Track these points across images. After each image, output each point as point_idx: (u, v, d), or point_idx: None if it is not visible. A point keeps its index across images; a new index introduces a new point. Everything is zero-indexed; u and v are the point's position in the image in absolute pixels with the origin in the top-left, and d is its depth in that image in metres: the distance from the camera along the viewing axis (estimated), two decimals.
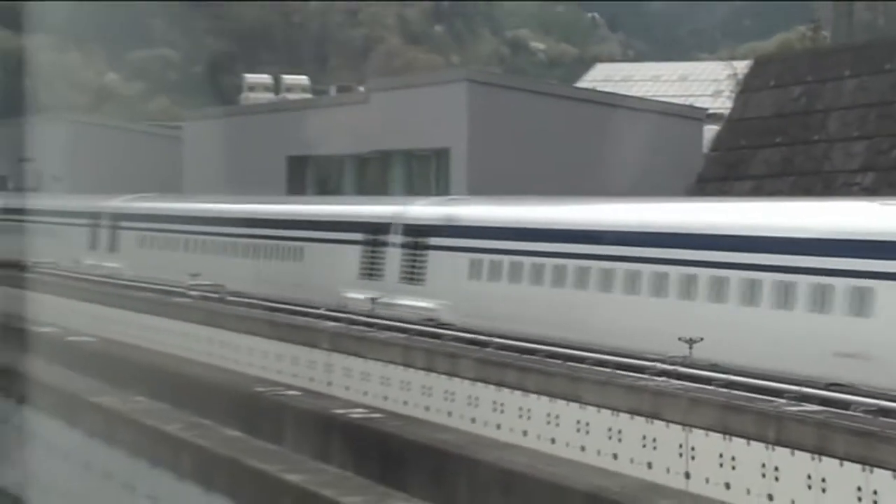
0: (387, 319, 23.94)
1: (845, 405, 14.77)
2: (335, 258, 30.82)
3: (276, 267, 33.03)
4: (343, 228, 30.96)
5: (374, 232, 29.41)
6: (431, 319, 24.71)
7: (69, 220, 46.47)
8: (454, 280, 26.29)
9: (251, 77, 77.47)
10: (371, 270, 29.32)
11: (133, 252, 41.20)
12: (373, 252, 29.35)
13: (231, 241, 35.82)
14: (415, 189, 45.67)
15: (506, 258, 24.88)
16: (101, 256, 43.04)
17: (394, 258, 28.43)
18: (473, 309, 24.68)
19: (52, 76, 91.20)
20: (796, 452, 13.58)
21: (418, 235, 27.80)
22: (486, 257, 25.51)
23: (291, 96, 68.60)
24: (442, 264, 26.92)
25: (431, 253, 27.33)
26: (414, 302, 26.90)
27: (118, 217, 43.41)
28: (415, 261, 27.76)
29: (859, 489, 12.78)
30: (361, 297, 28.16)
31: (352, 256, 29.95)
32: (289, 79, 75.29)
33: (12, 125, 57.08)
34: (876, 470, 12.65)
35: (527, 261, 24.29)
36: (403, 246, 28.26)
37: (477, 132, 42.60)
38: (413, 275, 27.72)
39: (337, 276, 30.09)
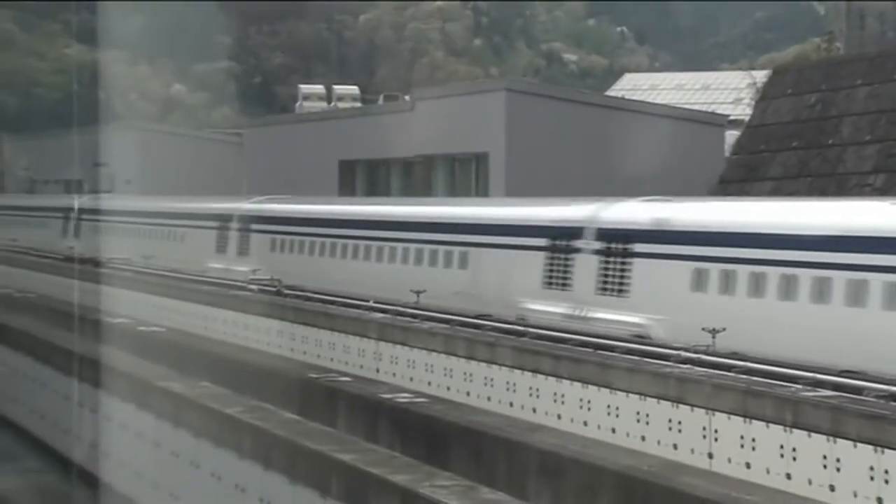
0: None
1: (858, 391, 14.66)
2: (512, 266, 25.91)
3: (434, 274, 28.11)
4: (523, 233, 25.95)
5: (562, 237, 24.37)
6: (641, 336, 20.80)
7: (191, 224, 41.64)
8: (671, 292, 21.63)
9: (306, 87, 77.57)
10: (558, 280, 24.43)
11: (267, 256, 35.52)
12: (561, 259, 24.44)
13: (384, 246, 30.47)
14: (456, 191, 45.67)
15: (741, 267, 20.05)
16: (231, 261, 37.80)
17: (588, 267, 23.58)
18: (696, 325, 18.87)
19: (124, 88, 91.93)
20: (812, 435, 13.49)
21: (620, 241, 22.98)
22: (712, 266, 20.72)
23: (343, 105, 68.67)
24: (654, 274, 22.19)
25: (638, 261, 22.55)
26: (616, 316, 22.56)
27: (250, 220, 38.02)
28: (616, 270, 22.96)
29: (871, 469, 12.67)
30: (550, 309, 23.84)
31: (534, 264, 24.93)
32: (340, 89, 75.33)
33: (88, 133, 57.53)
34: (887, 451, 12.54)
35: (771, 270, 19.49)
36: (600, 253, 23.35)
37: (514, 138, 42.53)
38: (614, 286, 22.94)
39: (515, 286, 25.35)
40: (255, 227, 37.47)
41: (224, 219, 39.44)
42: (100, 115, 60.07)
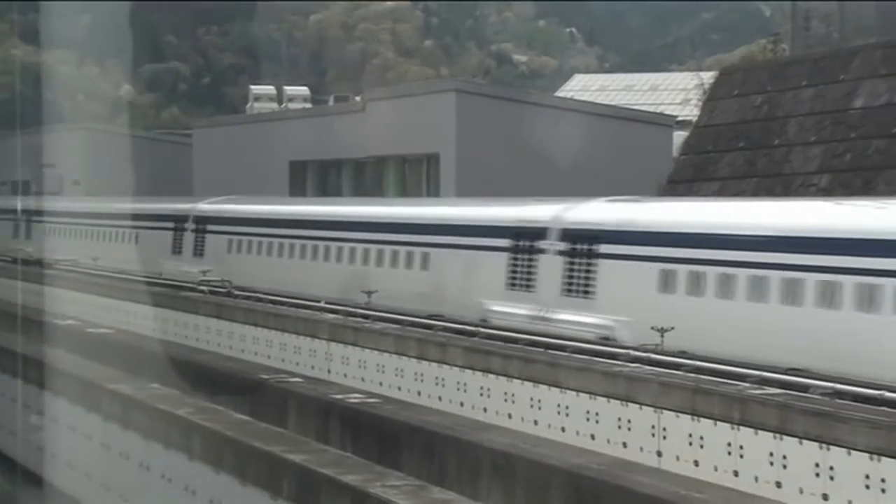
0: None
1: (804, 388, 14.83)
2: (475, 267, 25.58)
3: (394, 276, 28.03)
4: (486, 233, 25.60)
5: (526, 238, 24.09)
6: (606, 338, 20.60)
7: (145, 224, 41.22)
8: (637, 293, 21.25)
9: (256, 88, 77.21)
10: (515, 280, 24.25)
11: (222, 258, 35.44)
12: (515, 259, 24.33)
13: (343, 247, 30.27)
14: (408, 191, 45.69)
15: (710, 269, 19.71)
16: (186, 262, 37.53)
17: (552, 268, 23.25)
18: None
19: (71, 88, 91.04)
20: (759, 432, 13.61)
21: (585, 242, 22.61)
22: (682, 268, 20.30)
23: (293, 106, 68.42)
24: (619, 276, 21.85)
25: (603, 262, 22.18)
26: (581, 318, 22.18)
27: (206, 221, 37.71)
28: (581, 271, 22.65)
29: (817, 465, 12.81)
30: (513, 311, 23.54)
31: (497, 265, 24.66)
32: (290, 90, 75.03)
33: (34, 134, 56.98)
34: (832, 448, 12.68)
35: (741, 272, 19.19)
36: (564, 253, 22.99)
37: (464, 138, 42.61)
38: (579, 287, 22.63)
39: (478, 288, 24.97)
40: (210, 227, 37.13)
41: (179, 219, 39.08)
42: (47, 116, 59.44)
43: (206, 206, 38.61)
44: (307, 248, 31.81)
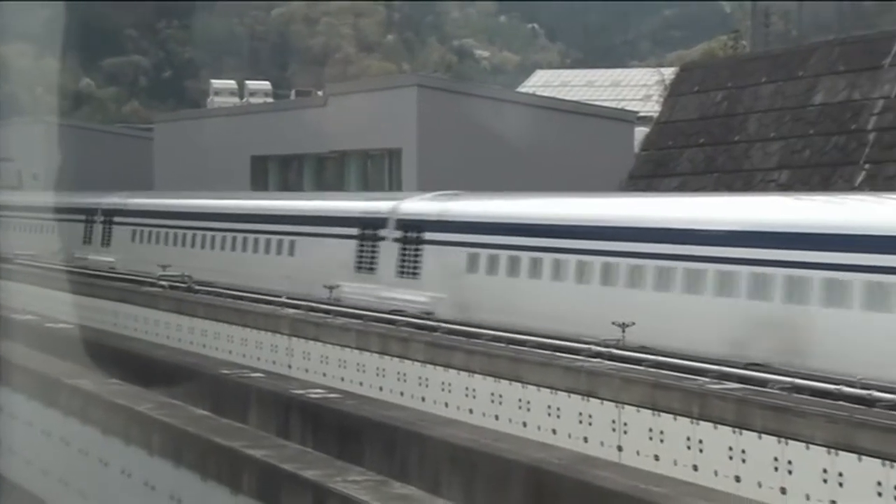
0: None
1: (763, 383, 14.91)
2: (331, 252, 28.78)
3: (268, 261, 31.47)
4: (339, 224, 29.16)
5: (368, 226, 27.77)
6: (428, 313, 23.36)
7: (63, 217, 43.94)
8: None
9: (217, 82, 76.70)
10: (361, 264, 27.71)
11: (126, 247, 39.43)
12: (361, 246, 27.82)
13: (227, 236, 33.91)
14: (369, 186, 45.59)
15: (503, 253, 23.27)
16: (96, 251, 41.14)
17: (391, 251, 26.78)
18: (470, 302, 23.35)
19: (30, 81, 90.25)
20: (719, 426, 13.68)
21: (414, 230, 26.12)
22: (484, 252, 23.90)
23: (254, 100, 68.10)
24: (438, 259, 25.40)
25: (427, 248, 25.75)
26: (409, 296, 25.39)
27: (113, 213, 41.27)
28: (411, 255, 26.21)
29: (776, 459, 12.89)
30: (360, 289, 26.81)
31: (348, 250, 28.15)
32: (252, 84, 74.60)
33: None
34: (791, 442, 12.76)
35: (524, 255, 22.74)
36: (398, 241, 26.57)
37: (426, 133, 42.56)
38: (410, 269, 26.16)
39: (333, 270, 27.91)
40: (115, 219, 41.29)
41: (90, 212, 42.52)
42: (3, 109, 58.86)
43: (113, 200, 41.64)
44: (188, 236, 36.34)
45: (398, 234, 26.78)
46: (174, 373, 24.49)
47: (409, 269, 26.32)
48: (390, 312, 23.23)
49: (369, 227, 27.67)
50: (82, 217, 41.14)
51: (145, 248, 37.58)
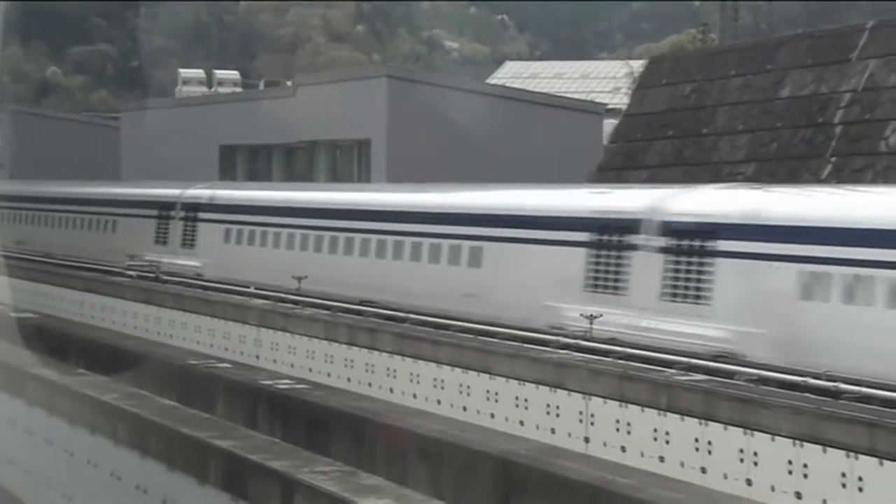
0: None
1: (729, 374, 14.99)
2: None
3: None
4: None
5: (164, 208, 33.98)
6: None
7: (122, 212, 38.51)
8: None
9: (185, 72, 76.53)
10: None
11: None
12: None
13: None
14: (338, 177, 45.50)
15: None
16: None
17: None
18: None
19: None
20: (685, 418, 13.74)
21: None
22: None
23: (223, 90, 67.89)
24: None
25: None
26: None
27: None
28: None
29: (741, 451, 12.96)
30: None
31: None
32: (220, 73, 74.50)
33: None
34: (756, 434, 12.83)
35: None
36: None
37: (395, 124, 42.50)
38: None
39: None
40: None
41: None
42: None
43: (196, 192, 40.44)
44: (318, 239, 36.63)
45: (662, 242, 18.65)
46: (141, 363, 24.38)
47: (688, 292, 18.04)
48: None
49: (611, 232, 19.72)
50: (154, 212, 34.93)
51: (247, 251, 30.41)
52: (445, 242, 23.21)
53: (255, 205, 30.67)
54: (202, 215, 32.27)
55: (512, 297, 20.84)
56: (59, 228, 40.99)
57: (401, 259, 24.26)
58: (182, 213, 33.03)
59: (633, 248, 18.95)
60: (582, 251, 19.82)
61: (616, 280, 19.13)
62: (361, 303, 23.30)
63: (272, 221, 29.08)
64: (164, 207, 33.92)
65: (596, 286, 19.46)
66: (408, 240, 24.25)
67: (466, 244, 22.63)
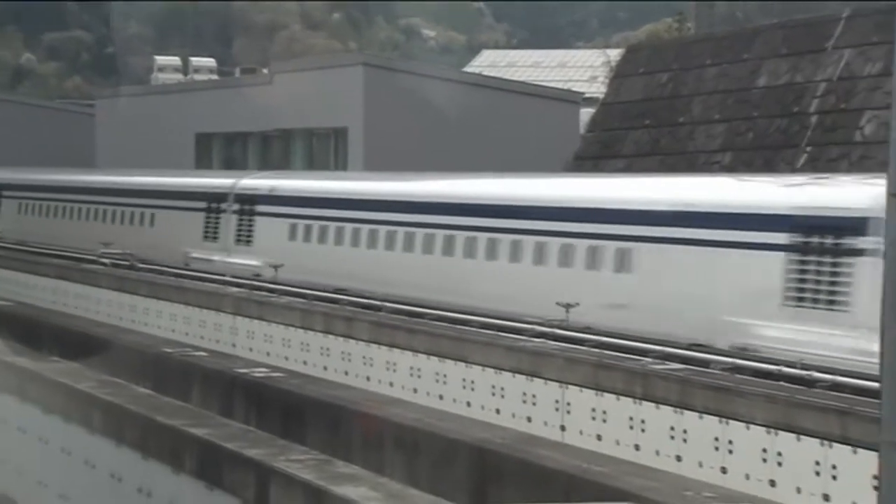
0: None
1: (705, 363, 15.03)
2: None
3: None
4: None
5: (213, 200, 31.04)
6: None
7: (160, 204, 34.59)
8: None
9: (161, 59, 75.96)
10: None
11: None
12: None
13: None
14: (315, 166, 45.40)
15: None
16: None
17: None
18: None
19: None
20: (661, 406, 13.77)
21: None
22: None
23: (199, 77, 67.52)
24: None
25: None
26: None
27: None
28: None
29: (716, 439, 13.00)
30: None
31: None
32: (196, 61, 73.99)
33: None
34: (731, 422, 12.88)
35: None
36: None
37: (372, 113, 42.42)
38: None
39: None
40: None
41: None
42: None
43: (252, 182, 38.99)
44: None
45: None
46: (115, 351, 24.29)
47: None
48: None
49: (823, 233, 16.23)
50: (201, 204, 31.30)
51: (322, 251, 26.67)
52: (584, 243, 19.61)
53: (335, 197, 26.95)
54: (261, 208, 29.05)
55: (675, 308, 17.67)
56: (91, 221, 37.05)
57: (545, 264, 20.28)
58: (236, 206, 29.80)
59: (858, 252, 15.53)
60: (780, 256, 16.40)
61: (832, 293, 15.76)
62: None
63: (364, 217, 25.34)
64: (214, 199, 30.65)
65: (801, 299, 16.09)
66: (555, 240, 20.23)
67: (612, 245, 19.04)
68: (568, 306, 18.29)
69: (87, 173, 42.35)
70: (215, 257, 29.40)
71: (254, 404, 19.62)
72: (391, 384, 18.34)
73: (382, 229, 24.45)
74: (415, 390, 17.81)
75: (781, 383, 13.60)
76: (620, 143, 33.89)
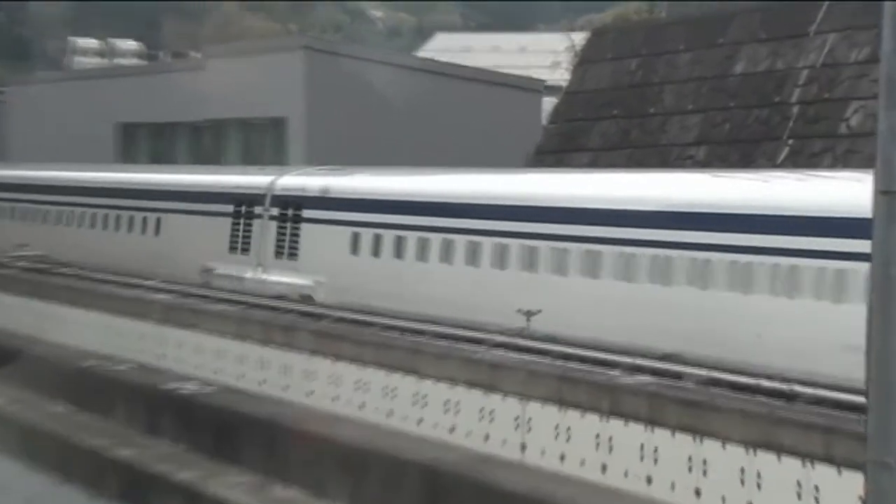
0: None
1: (677, 376, 15.09)
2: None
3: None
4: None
5: (243, 203, 27.31)
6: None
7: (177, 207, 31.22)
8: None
9: (80, 41, 75.54)
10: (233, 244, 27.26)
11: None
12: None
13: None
14: (250, 159, 45.23)
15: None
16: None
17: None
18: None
19: None
20: (630, 423, 13.81)
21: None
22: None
23: (122, 62, 67.16)
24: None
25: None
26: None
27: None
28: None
29: (690, 459, 13.06)
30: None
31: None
32: (120, 43, 73.64)
33: None
34: (706, 440, 12.94)
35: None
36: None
37: (315, 101, 42.33)
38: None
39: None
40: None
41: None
42: None
43: (294, 181, 38.47)
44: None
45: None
46: (29, 364, 24.09)
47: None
48: None
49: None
50: (227, 208, 28.22)
51: (397, 268, 24.12)
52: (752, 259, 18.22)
53: (416, 200, 23.62)
54: (310, 213, 25.70)
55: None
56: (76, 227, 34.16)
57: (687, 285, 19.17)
58: (275, 211, 26.51)
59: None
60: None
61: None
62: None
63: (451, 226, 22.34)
64: (244, 202, 27.00)
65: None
66: (722, 256, 18.80)
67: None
68: (529, 314, 18.35)
69: (72, 169, 37.97)
70: (247, 274, 26.06)
71: (183, 422, 19.51)
72: (335, 399, 18.30)
73: (487, 241, 21.44)
74: (362, 406, 17.78)
75: (760, 398, 13.68)
76: (586, 135, 34.00)
